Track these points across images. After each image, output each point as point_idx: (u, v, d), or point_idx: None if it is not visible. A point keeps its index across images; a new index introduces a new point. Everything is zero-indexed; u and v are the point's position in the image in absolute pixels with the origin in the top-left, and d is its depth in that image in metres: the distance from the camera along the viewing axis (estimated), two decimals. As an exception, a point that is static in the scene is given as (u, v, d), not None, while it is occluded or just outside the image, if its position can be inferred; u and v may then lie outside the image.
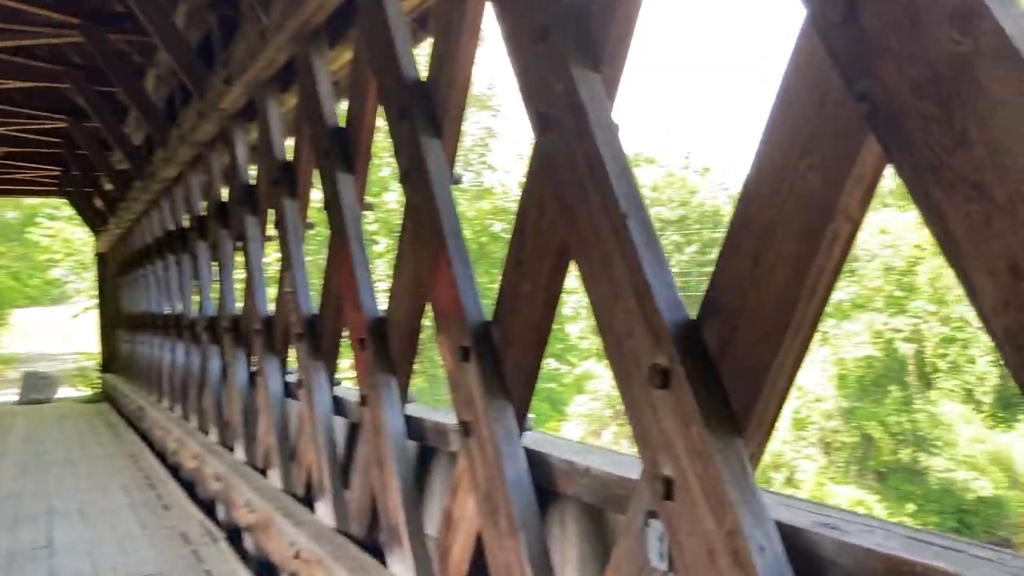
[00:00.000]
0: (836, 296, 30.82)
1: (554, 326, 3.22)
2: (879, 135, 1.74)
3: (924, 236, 30.86)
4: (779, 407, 2.11)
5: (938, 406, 30.39)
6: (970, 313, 30.35)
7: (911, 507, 27.24)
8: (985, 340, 30.63)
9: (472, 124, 37.88)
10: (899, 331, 31.56)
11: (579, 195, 2.63)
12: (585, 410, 34.63)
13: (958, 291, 30.17)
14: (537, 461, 3.19)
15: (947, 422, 29.92)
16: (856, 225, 1.92)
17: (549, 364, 32.50)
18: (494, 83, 38.96)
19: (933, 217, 1.63)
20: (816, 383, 30.53)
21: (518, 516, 3.04)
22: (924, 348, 31.75)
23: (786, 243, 2.01)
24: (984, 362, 31.66)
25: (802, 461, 29.77)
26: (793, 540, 2.10)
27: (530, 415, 3.26)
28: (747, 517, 2.03)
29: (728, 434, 2.12)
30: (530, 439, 3.31)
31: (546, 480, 3.17)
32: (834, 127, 1.89)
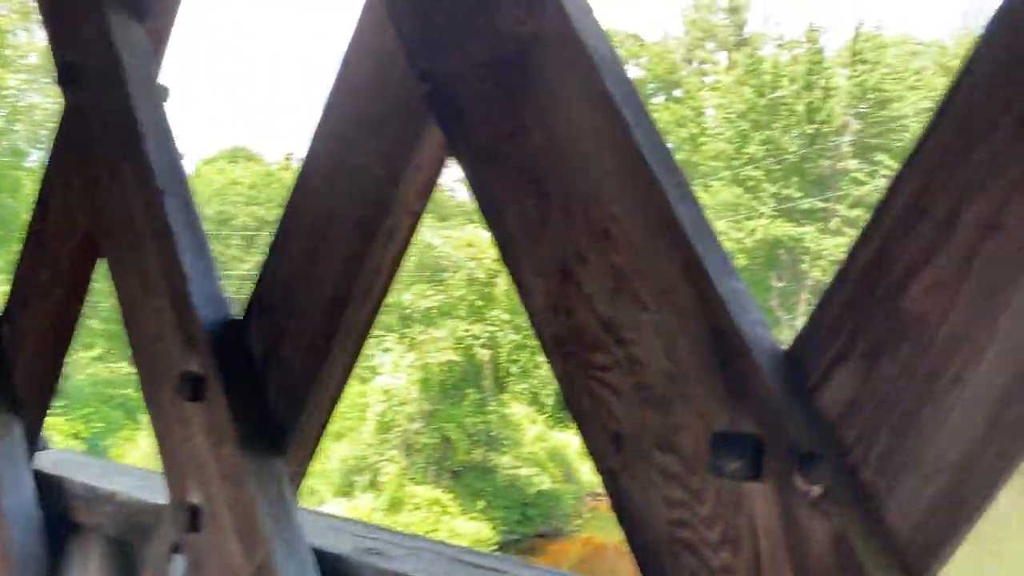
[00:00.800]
0: (425, 303, 32.17)
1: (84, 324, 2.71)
2: (440, 120, 1.57)
3: (503, 251, 33.49)
4: (326, 420, 1.87)
5: (509, 408, 33.02)
6: (538, 322, 33.53)
7: (482, 503, 29.20)
8: (549, 348, 34.00)
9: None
10: (478, 338, 33.73)
11: (109, 165, 2.19)
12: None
13: (529, 303, 33.20)
14: (51, 487, 2.64)
15: (516, 422, 32.62)
16: (415, 219, 1.74)
17: (123, 369, 29.78)
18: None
19: (491, 212, 1.48)
20: (402, 386, 31.53)
21: (17, 554, 2.48)
22: (499, 354, 34.30)
23: (340, 238, 1.78)
24: (547, 367, 35.17)
25: (385, 463, 30.53)
26: (333, 569, 1.87)
27: (45, 433, 2.71)
28: (280, 548, 1.76)
29: (266, 453, 1.84)
30: (47, 460, 2.75)
31: (64, 509, 2.63)
32: (395, 109, 1.69)
